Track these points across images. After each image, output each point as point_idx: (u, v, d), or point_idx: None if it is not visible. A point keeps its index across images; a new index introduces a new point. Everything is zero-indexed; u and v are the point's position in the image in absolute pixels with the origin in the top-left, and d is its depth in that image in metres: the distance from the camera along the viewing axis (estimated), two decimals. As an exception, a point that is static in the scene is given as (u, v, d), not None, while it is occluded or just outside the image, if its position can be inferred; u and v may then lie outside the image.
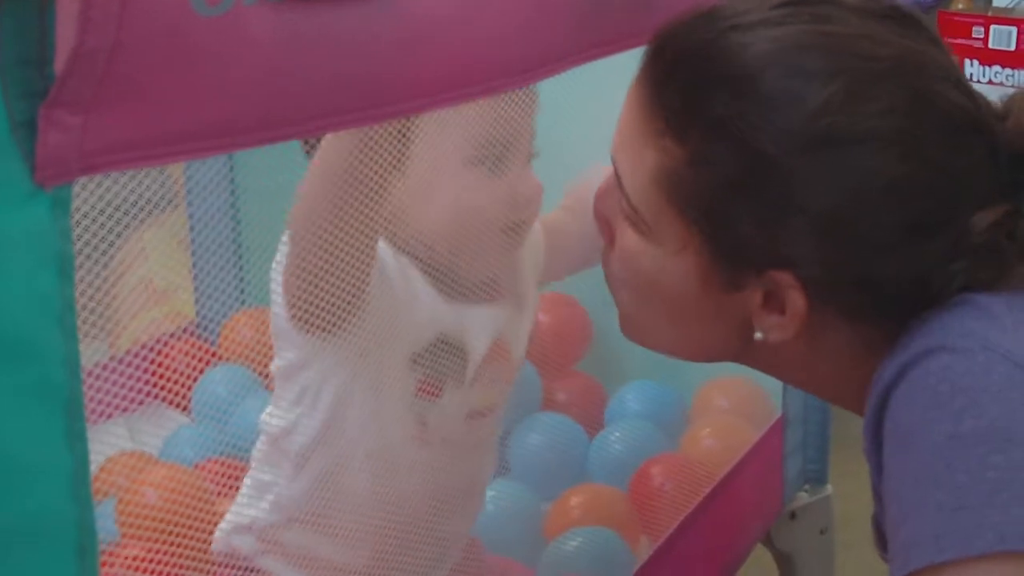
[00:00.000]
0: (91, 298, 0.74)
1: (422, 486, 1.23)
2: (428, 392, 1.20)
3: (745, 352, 1.07)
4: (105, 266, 0.81)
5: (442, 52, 0.84)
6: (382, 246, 1.13)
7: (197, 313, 2.11)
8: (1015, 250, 0.98)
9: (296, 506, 1.22)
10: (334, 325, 1.11)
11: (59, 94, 0.60)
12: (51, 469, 0.63)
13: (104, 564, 1.34)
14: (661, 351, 1.13)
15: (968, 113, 0.98)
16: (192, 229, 2.09)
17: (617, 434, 1.80)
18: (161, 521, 1.40)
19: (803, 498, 1.84)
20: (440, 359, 1.19)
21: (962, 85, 1.00)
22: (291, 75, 0.72)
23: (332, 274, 1.07)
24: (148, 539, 1.38)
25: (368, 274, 1.10)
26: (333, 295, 1.08)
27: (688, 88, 0.98)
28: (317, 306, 1.09)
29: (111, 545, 1.44)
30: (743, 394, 1.84)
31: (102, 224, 0.81)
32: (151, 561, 1.21)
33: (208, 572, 1.23)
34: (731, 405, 1.84)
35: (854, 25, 0.98)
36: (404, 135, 1.08)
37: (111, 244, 0.83)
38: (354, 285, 1.09)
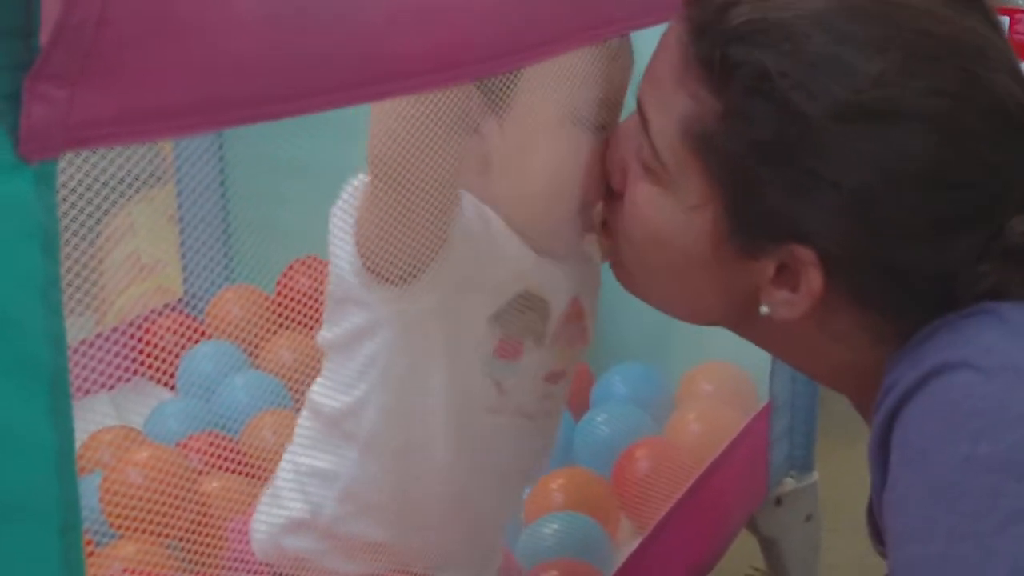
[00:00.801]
0: (77, 273, 0.74)
1: (493, 462, 1.18)
2: (508, 352, 1.14)
3: (744, 323, 1.05)
4: (92, 242, 0.81)
5: (435, 30, 0.83)
6: (465, 195, 1.08)
7: (184, 289, 2.11)
8: None
9: (371, 493, 1.14)
10: (412, 273, 1.05)
11: (44, 67, 0.59)
12: (35, 446, 0.62)
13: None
14: (654, 304, 1.10)
15: (1021, 107, 0.94)
16: (180, 204, 2.08)
17: (603, 416, 1.79)
18: (145, 501, 1.40)
19: (789, 484, 1.84)
20: (523, 315, 1.14)
21: (1019, 77, 0.96)
22: (281, 51, 0.71)
23: (415, 214, 1.01)
24: (131, 518, 1.37)
25: (451, 218, 1.04)
26: (414, 239, 1.03)
27: (733, 38, 0.95)
28: (396, 250, 1.03)
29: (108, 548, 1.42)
30: (729, 379, 1.83)
31: (89, 199, 0.80)
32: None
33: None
34: (717, 390, 1.84)
35: None
36: (510, 84, 1.05)
37: (98, 220, 0.82)
38: (438, 228, 1.03)
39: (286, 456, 1.20)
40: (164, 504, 1.42)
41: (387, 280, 1.05)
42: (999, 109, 0.94)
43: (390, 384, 1.11)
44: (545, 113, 1.08)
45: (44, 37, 0.59)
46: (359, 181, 1.07)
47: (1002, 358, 0.89)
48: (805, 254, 0.95)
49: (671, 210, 1.01)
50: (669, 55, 1.00)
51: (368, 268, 1.05)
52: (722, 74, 0.95)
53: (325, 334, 1.15)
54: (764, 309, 1.00)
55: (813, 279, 0.95)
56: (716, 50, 0.95)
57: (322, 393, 1.16)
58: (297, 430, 1.20)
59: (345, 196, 1.08)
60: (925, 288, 0.95)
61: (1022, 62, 0.98)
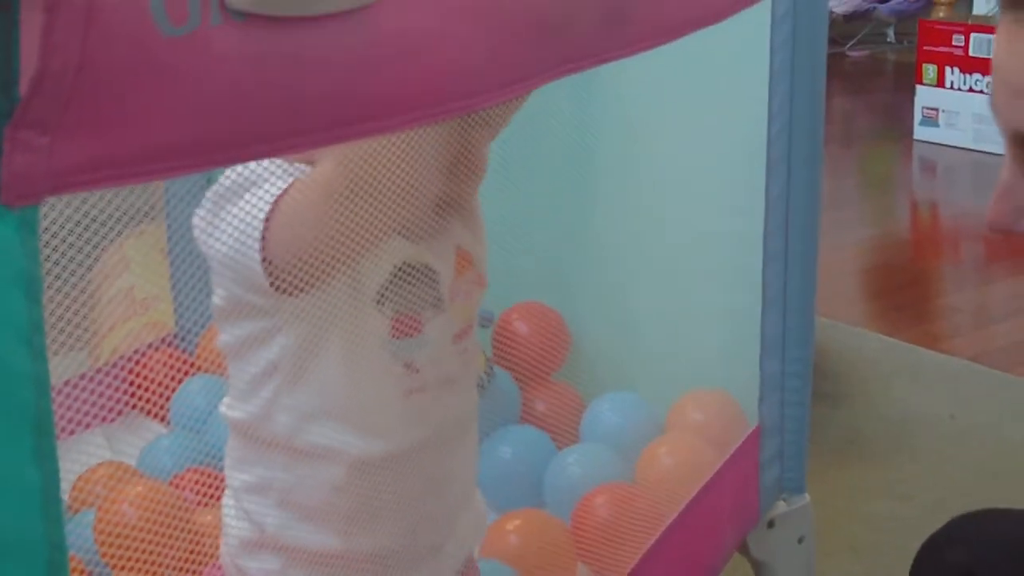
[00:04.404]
0: (70, 309, 0.75)
1: (425, 438, 1.16)
2: (407, 330, 1.13)
3: None
4: (84, 278, 0.82)
5: (415, 70, 0.84)
6: None
7: (176, 324, 2.11)
8: None
9: (305, 496, 1.13)
10: (320, 282, 1.04)
11: (24, 115, 0.60)
12: (20, 487, 0.63)
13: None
14: None
15: None
16: (170, 240, 2.09)
17: (573, 457, 1.79)
18: (139, 537, 1.40)
19: (781, 507, 1.85)
20: (410, 288, 1.13)
21: None
22: (260, 94, 0.72)
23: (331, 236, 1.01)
24: (126, 555, 1.37)
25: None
26: (328, 252, 1.02)
27: None
28: (307, 263, 1.02)
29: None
30: (718, 407, 1.84)
31: (79, 235, 0.81)
32: None
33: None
34: (706, 418, 1.84)
35: None
36: None
37: (89, 256, 0.83)
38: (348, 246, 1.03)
39: (226, 483, 1.20)
40: (158, 539, 1.43)
41: (287, 292, 1.04)
42: None
43: (295, 385, 1.10)
44: None
45: (24, 85, 0.60)
46: (233, 180, 1.05)
47: None
48: None
49: None
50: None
51: (273, 282, 1.03)
52: None
53: (224, 339, 1.13)
54: None
55: None
56: None
57: (230, 404, 1.15)
58: (225, 453, 1.19)
59: (216, 201, 1.06)
60: None
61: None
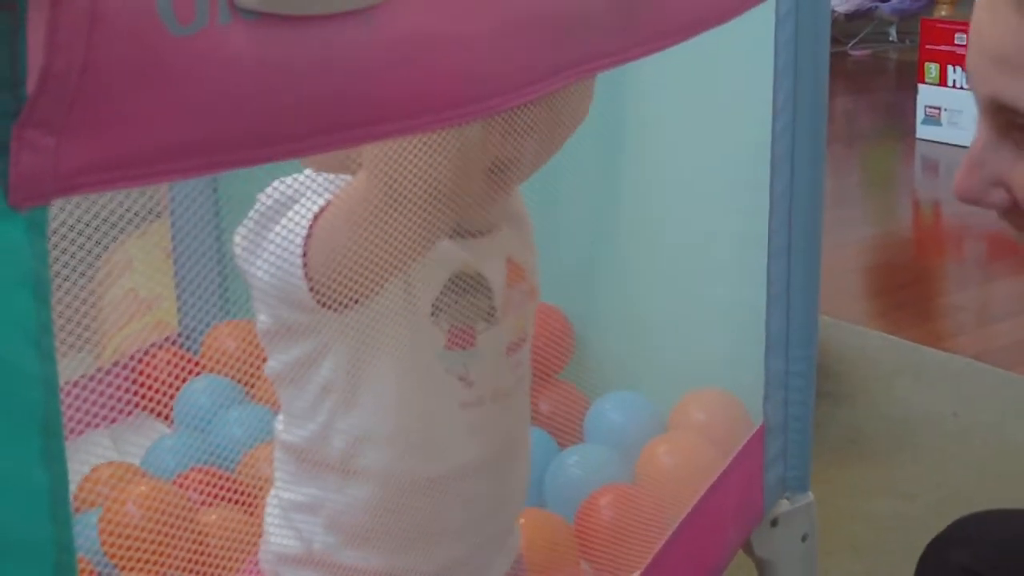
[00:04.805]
0: (76, 310, 0.75)
1: (482, 457, 1.16)
2: (461, 342, 1.12)
3: None
4: (91, 278, 0.82)
5: (426, 72, 0.83)
6: None
7: (180, 323, 2.11)
8: None
9: (357, 518, 1.12)
10: (365, 296, 1.02)
11: (30, 115, 0.60)
12: (28, 488, 0.63)
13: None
14: None
15: None
16: (175, 239, 2.09)
17: (574, 458, 1.79)
18: (144, 536, 1.40)
19: (784, 505, 1.85)
20: (463, 299, 1.11)
21: None
22: (269, 94, 0.72)
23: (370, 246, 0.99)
24: (131, 554, 1.38)
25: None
26: (371, 263, 1.00)
27: None
28: (350, 277, 1.00)
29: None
30: (721, 406, 1.84)
31: (88, 236, 0.81)
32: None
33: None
34: (708, 417, 1.84)
35: None
36: None
37: (97, 256, 0.83)
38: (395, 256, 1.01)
39: (272, 492, 1.19)
40: (163, 538, 1.43)
41: (333, 307, 1.03)
42: None
43: (350, 407, 1.09)
44: None
45: (31, 86, 0.60)
46: (276, 197, 1.04)
47: None
48: None
49: None
50: (1012, 31, 0.99)
51: (318, 298, 1.02)
52: None
53: (272, 365, 1.12)
54: None
55: None
56: None
57: (285, 428, 1.14)
58: (275, 466, 1.18)
59: (258, 219, 1.05)
60: None
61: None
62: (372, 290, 1.03)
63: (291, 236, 1.02)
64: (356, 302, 1.03)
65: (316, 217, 1.02)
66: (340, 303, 1.02)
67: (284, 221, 1.03)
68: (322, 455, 1.11)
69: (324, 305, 1.02)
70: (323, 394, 1.09)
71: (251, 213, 1.06)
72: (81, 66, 0.61)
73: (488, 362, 1.14)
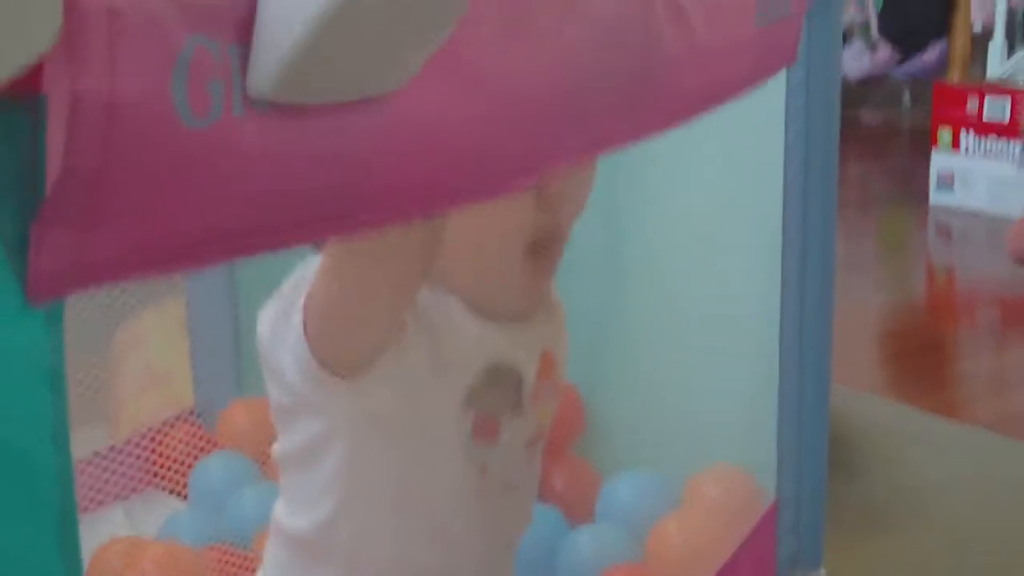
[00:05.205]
0: (90, 386, 0.76)
1: (480, 545, 1.14)
2: (486, 432, 1.10)
3: None
4: (103, 352, 0.83)
5: (436, 157, 0.84)
6: None
7: (196, 399, 2.12)
8: None
9: None
10: (367, 361, 1.02)
11: (49, 213, 0.61)
12: (44, 578, 0.64)
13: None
14: None
15: None
16: (190, 315, 2.10)
17: (586, 536, 1.79)
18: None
19: (798, 579, 1.84)
20: (495, 389, 1.10)
21: None
22: (284, 183, 0.73)
23: (373, 300, 1.00)
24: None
25: (409, 301, 1.03)
26: (371, 324, 1.01)
27: None
28: (351, 336, 1.01)
29: None
30: (734, 483, 1.84)
31: (104, 312, 0.82)
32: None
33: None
34: (721, 494, 1.84)
35: None
36: None
37: (111, 330, 0.84)
38: (395, 311, 1.02)
39: None
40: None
41: (339, 374, 1.02)
42: None
43: (362, 493, 1.08)
44: None
45: (49, 184, 0.61)
46: (296, 279, 1.05)
47: None
48: None
49: None
50: None
51: (320, 362, 1.02)
52: None
53: (280, 447, 1.11)
54: None
55: None
56: None
57: (286, 512, 1.12)
58: (265, 555, 1.15)
59: (280, 301, 1.06)
60: None
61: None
62: (367, 349, 1.02)
63: (297, 318, 1.03)
64: (359, 367, 1.02)
65: (308, 295, 1.03)
66: (343, 366, 1.02)
67: (297, 303, 1.04)
68: (326, 545, 1.10)
69: (329, 370, 1.02)
70: (331, 481, 1.08)
71: (275, 298, 1.07)
72: (100, 162, 0.62)
73: (508, 456, 1.13)
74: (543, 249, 1.11)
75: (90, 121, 0.61)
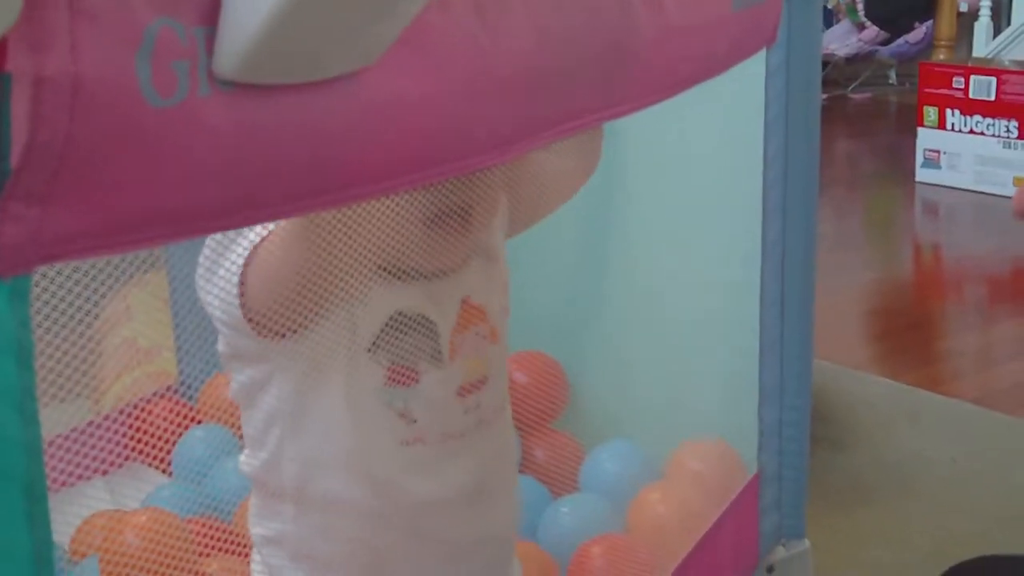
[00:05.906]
0: (75, 357, 0.76)
1: (437, 495, 1.16)
2: (402, 379, 1.12)
3: None
4: (89, 326, 0.83)
5: (402, 134, 0.84)
6: None
7: (179, 373, 2.12)
8: None
9: (317, 549, 1.13)
10: (298, 327, 1.05)
11: (14, 188, 0.61)
12: (11, 553, 0.64)
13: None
14: None
15: None
16: (172, 289, 2.10)
17: (567, 507, 1.80)
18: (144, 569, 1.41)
19: (780, 552, 1.85)
20: (404, 337, 1.12)
21: None
22: (249, 162, 0.73)
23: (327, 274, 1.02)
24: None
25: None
26: (299, 297, 1.03)
27: None
28: (282, 307, 1.03)
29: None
30: (716, 455, 1.84)
31: (86, 285, 0.82)
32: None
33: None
34: (704, 466, 1.85)
35: None
36: None
37: (95, 304, 0.84)
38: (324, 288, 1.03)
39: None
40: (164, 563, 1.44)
41: (268, 336, 1.05)
42: None
43: (297, 433, 1.11)
44: None
45: (14, 158, 0.62)
46: (244, 239, 1.06)
47: None
48: None
49: None
50: None
51: (255, 328, 1.04)
52: None
53: (232, 387, 1.14)
54: None
55: None
56: None
57: (245, 457, 1.16)
58: (250, 503, 1.20)
59: (225, 260, 1.07)
60: None
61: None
62: (305, 322, 1.05)
63: (234, 269, 1.05)
64: (293, 332, 1.05)
65: (252, 251, 1.04)
66: (275, 331, 1.05)
67: (230, 255, 1.06)
68: (276, 483, 1.13)
69: (259, 333, 1.05)
70: (271, 419, 1.12)
71: (208, 241, 1.08)
72: (64, 138, 0.62)
73: (433, 403, 1.14)
74: (449, 219, 1.12)
75: (54, 99, 0.62)
